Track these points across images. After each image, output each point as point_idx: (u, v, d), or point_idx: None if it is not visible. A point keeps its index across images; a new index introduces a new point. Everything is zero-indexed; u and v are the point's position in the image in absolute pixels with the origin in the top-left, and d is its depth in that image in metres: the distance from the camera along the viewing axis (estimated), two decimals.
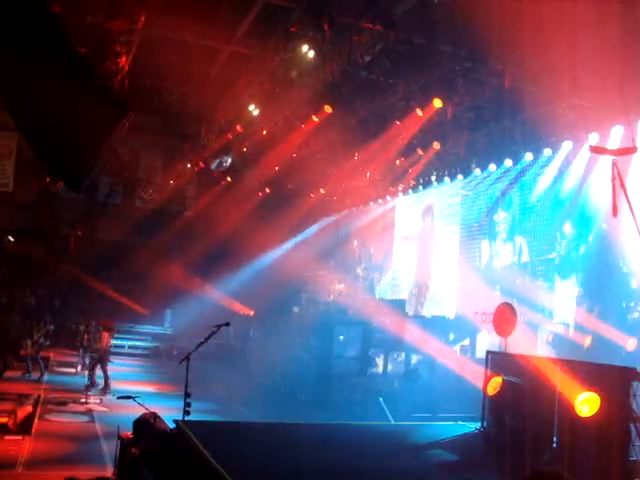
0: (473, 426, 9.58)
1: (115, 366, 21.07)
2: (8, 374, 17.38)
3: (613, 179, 7.66)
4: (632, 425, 7.10)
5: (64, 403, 14.12)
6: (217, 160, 22.06)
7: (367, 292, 20.55)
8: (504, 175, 15.51)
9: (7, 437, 10.97)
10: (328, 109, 15.79)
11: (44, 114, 7.11)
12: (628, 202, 7.66)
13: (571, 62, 9.09)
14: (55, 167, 9.45)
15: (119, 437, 8.98)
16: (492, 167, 15.50)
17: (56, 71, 7.31)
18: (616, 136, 11.65)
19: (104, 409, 13.77)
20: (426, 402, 13.84)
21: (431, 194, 18.50)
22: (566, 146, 13.27)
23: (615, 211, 7.71)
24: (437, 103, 13.83)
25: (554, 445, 7.93)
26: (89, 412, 13.50)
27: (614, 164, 7.74)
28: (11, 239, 26.70)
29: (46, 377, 17.66)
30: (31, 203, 25.65)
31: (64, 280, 26.79)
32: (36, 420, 12.35)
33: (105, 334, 16.65)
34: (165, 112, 21.13)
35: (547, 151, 13.79)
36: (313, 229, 24.49)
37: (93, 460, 9.98)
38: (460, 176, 16.76)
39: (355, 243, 22.82)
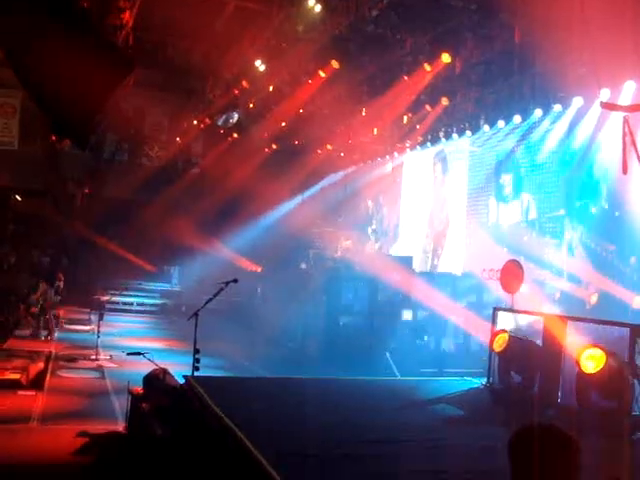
0: (479, 382, 9.66)
1: (124, 323, 21.35)
2: (18, 332, 17.61)
3: (624, 136, 7.58)
4: (636, 381, 7.17)
5: (75, 360, 14.31)
6: (224, 116, 21.93)
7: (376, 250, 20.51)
8: (512, 132, 15.35)
9: (20, 392, 11.19)
10: (335, 64, 15.61)
11: (47, 71, 7.04)
12: (639, 159, 7.58)
13: (583, 16, 8.90)
14: (60, 124, 9.40)
15: (130, 392, 9.13)
16: (501, 123, 15.34)
17: (59, 27, 7.21)
18: (628, 92, 11.47)
19: (114, 365, 13.94)
20: (433, 358, 13.97)
21: (441, 145, 18.26)
22: (576, 102, 13.08)
23: (625, 168, 7.65)
24: (445, 58, 13.64)
25: (559, 401, 8.02)
26: (99, 368, 13.68)
27: (625, 120, 7.65)
28: (18, 198, 26.75)
29: (56, 334, 17.88)
30: (37, 161, 25.59)
31: (72, 238, 26.91)
32: (48, 376, 12.55)
33: (42, 285, 17.50)
34: (170, 68, 20.89)
35: (557, 107, 13.61)
36: (320, 185, 24.41)
37: (105, 415, 10.15)
38: (468, 132, 16.61)
39: (369, 202, 22.62)
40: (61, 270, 20.96)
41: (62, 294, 18.69)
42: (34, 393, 11.16)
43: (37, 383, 12.03)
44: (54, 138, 21.99)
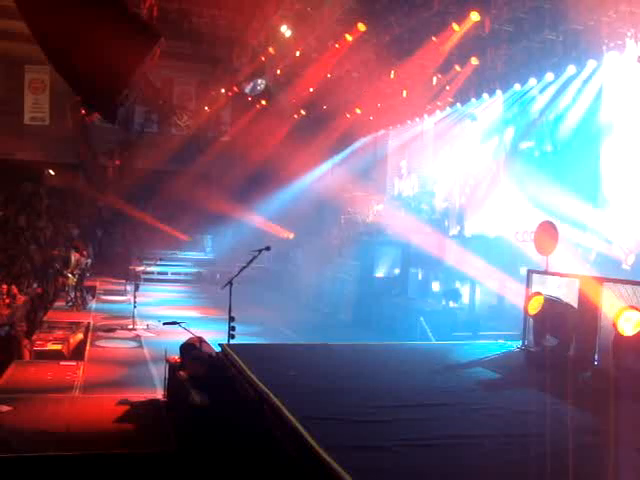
0: (514, 345, 9.62)
1: (159, 293, 21.64)
2: (57, 304, 17.96)
3: None
4: None
5: (112, 330, 14.57)
6: (251, 84, 21.82)
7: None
8: (546, 88, 15.00)
9: (62, 363, 11.47)
10: (362, 27, 15.36)
11: (74, 46, 7.06)
12: None
13: None
14: (89, 99, 9.46)
15: (167, 361, 9.29)
16: (532, 81, 15.01)
17: (85, 1, 7.22)
18: None
19: (151, 335, 14.16)
20: (467, 321, 13.93)
21: (472, 106, 17.92)
22: (610, 57, 12.69)
23: None
24: (474, 17, 13.31)
25: (595, 364, 7.95)
26: (137, 338, 13.91)
27: None
28: (51, 172, 27.10)
29: (93, 305, 18.19)
30: (67, 136, 25.85)
31: (105, 210, 27.26)
32: (88, 347, 12.83)
33: (73, 255, 17.82)
34: (195, 37, 20.77)
35: (591, 63, 13.24)
36: (350, 150, 24.24)
37: (143, 383, 10.37)
38: (499, 92, 16.28)
39: (400, 165, 22.24)
40: (90, 242, 21.19)
41: (89, 267, 18.87)
42: (75, 363, 11.42)
43: (78, 353, 12.34)
44: (83, 112, 22.15)
